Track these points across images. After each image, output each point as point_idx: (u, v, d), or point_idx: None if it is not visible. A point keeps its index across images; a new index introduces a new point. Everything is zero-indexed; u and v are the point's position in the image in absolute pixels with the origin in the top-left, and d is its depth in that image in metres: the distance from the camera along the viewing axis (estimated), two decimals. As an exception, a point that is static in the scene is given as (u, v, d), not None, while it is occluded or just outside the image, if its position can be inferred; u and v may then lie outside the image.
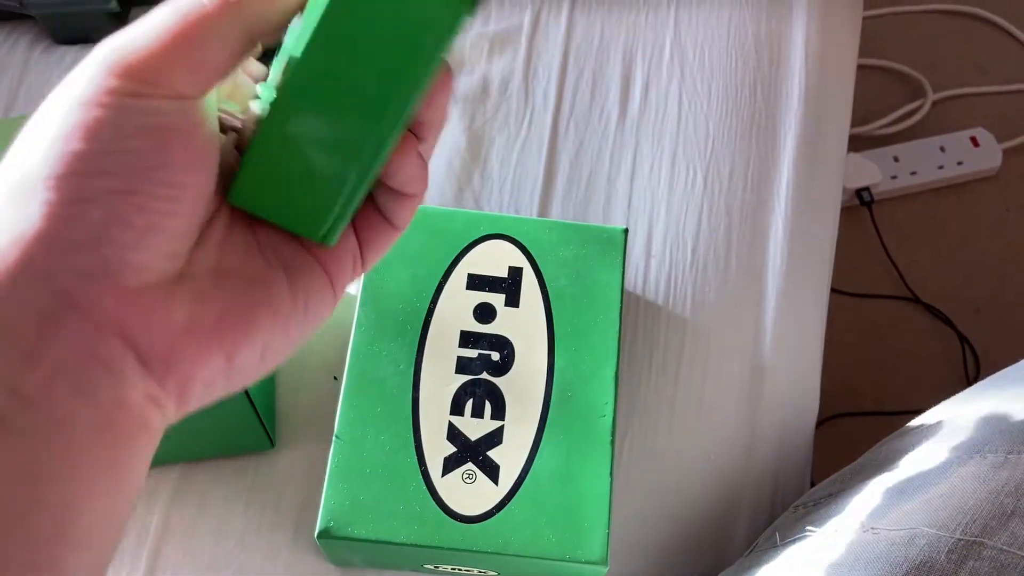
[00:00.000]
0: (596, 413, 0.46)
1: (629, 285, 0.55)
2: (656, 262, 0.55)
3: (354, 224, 0.30)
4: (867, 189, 1.18)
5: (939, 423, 0.46)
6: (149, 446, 0.25)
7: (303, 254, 0.29)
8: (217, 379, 0.26)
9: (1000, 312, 1.16)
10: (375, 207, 0.30)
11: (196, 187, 0.25)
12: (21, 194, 0.23)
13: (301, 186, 0.27)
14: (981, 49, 1.33)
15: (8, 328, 0.23)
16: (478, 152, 0.57)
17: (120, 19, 0.64)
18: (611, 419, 0.46)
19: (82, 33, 0.64)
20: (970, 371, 1.13)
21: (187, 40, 0.25)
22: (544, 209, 0.56)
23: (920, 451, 0.44)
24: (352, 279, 0.30)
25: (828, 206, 0.58)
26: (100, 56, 0.24)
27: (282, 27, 0.27)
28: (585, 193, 0.57)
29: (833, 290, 1.14)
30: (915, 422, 0.49)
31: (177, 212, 0.25)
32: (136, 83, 0.24)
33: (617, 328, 0.47)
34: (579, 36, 0.61)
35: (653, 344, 0.53)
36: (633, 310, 0.54)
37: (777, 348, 0.54)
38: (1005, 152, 1.22)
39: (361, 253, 0.30)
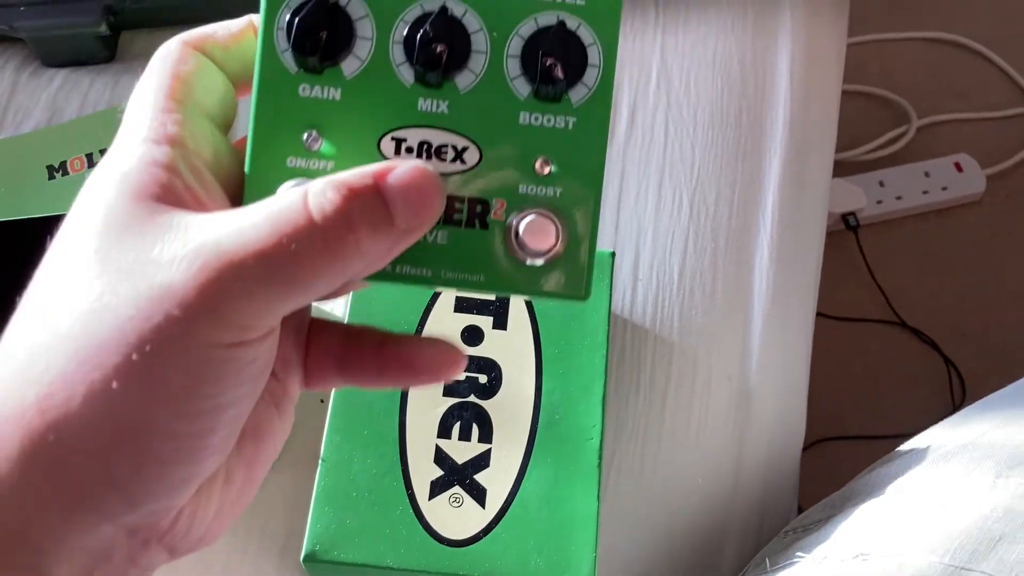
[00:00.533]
0: (583, 436, 0.46)
1: (616, 308, 0.55)
2: (643, 286, 0.55)
3: (307, 359, 0.29)
4: (853, 214, 1.19)
5: (927, 448, 0.46)
6: None
7: (279, 382, 0.28)
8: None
9: (985, 336, 1.17)
10: (342, 360, 0.28)
11: (243, 410, 0.24)
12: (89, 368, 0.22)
13: None
14: (964, 76, 1.34)
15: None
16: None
17: (110, 43, 0.64)
18: (598, 442, 0.46)
19: (71, 56, 0.64)
20: (956, 395, 1.13)
21: (292, 284, 0.23)
22: (532, 233, 0.57)
23: (908, 477, 0.44)
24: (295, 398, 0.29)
25: (813, 231, 0.58)
26: (198, 264, 0.22)
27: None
28: (573, 217, 0.57)
29: (819, 314, 1.15)
30: (904, 447, 0.49)
31: (230, 432, 0.24)
32: (233, 329, 0.22)
33: (604, 351, 0.47)
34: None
35: (640, 367, 0.53)
36: (620, 333, 0.54)
37: (763, 372, 0.54)
38: (988, 178, 1.23)
39: (308, 384, 0.29)
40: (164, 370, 0.22)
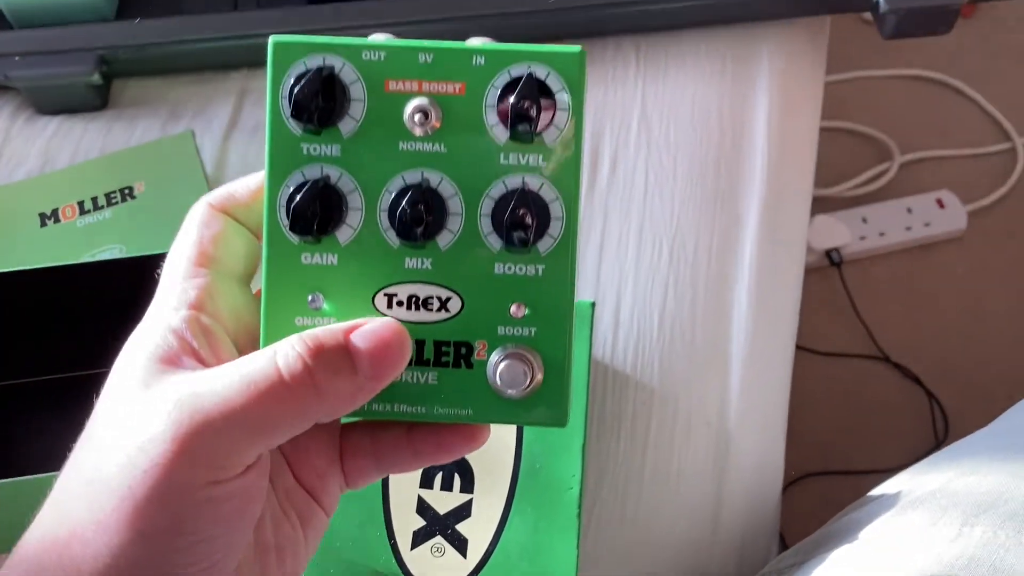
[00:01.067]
0: (564, 486, 0.47)
1: (598, 355, 0.56)
2: (624, 332, 0.56)
3: (343, 460, 0.32)
4: (836, 250, 1.21)
5: (897, 494, 0.47)
6: None
7: (308, 499, 0.32)
8: None
9: (968, 371, 1.18)
10: (376, 457, 0.32)
11: (245, 536, 0.28)
12: (100, 510, 0.26)
13: None
14: (945, 114, 1.37)
15: None
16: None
17: (103, 91, 0.65)
18: (578, 492, 0.47)
19: (65, 104, 0.65)
20: (939, 430, 1.14)
21: (266, 424, 0.27)
22: (515, 280, 0.58)
23: (877, 524, 0.45)
24: (338, 500, 0.33)
25: (791, 277, 0.60)
26: (176, 416, 0.26)
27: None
28: (555, 265, 0.58)
29: (804, 349, 1.16)
30: (875, 491, 0.50)
31: (228, 563, 0.27)
32: (208, 469, 0.26)
33: (585, 401, 0.48)
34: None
35: (621, 414, 0.54)
36: (602, 379, 0.55)
37: (742, 417, 0.55)
38: (970, 214, 1.25)
39: (349, 485, 0.33)
40: (150, 511, 0.25)
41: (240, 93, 0.65)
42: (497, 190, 0.31)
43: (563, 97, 0.31)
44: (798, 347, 1.15)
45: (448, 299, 0.31)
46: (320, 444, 0.31)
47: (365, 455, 0.32)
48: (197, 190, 0.59)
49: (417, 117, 0.30)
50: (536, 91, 0.30)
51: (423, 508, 0.45)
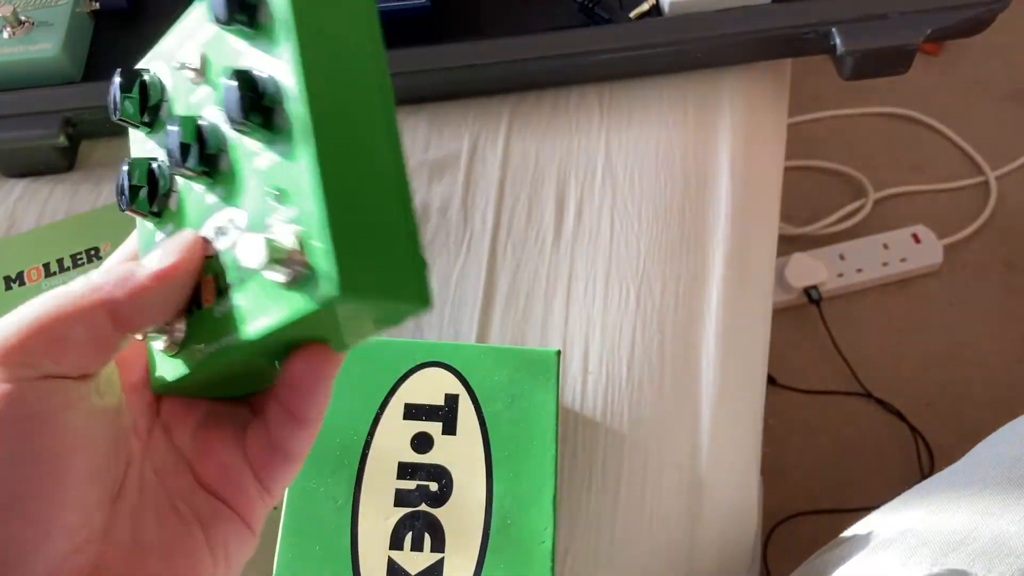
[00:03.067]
0: (536, 540, 0.46)
1: (567, 402, 0.56)
2: (593, 379, 0.56)
3: (248, 459, 0.30)
4: (815, 287, 1.21)
5: (869, 534, 0.47)
6: None
7: (213, 502, 0.30)
8: None
9: (950, 405, 1.18)
10: (269, 439, 0.30)
11: (86, 464, 0.26)
12: None
13: None
14: (917, 150, 1.38)
15: None
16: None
17: (69, 153, 0.65)
18: (550, 545, 0.46)
19: (30, 167, 0.65)
20: (924, 464, 1.14)
21: (52, 326, 0.26)
22: (484, 331, 0.58)
23: (850, 565, 0.45)
24: (265, 511, 0.31)
25: (758, 319, 0.60)
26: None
27: (152, 324, 0.30)
28: (523, 314, 0.58)
29: (786, 387, 1.16)
30: (847, 532, 0.50)
31: (58, 496, 0.25)
32: (5, 368, 0.25)
33: (553, 452, 0.48)
34: (515, 161, 0.63)
35: (592, 461, 0.54)
36: (572, 427, 0.55)
37: (714, 461, 0.55)
38: (946, 248, 1.26)
39: (263, 485, 0.30)
40: None
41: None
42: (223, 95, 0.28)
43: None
44: (781, 386, 1.16)
45: (236, 216, 0.29)
46: (222, 441, 0.31)
47: (261, 443, 0.30)
48: (163, 249, 0.59)
49: (190, 79, 0.31)
50: None
51: (394, 570, 0.45)
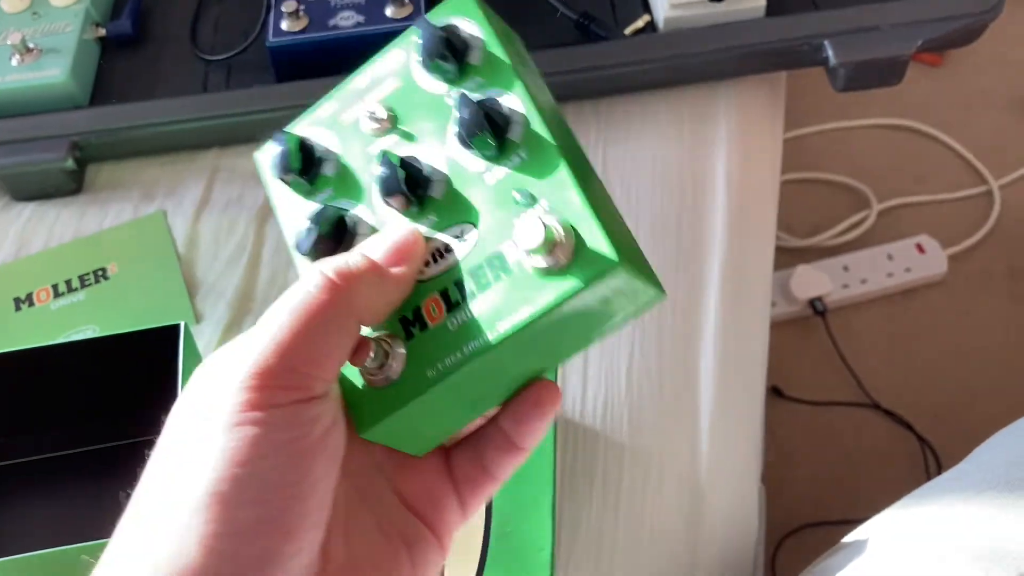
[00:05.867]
0: (535, 547, 0.47)
1: (568, 411, 0.56)
2: (592, 390, 0.57)
3: (453, 479, 0.32)
4: (820, 299, 1.21)
5: (865, 541, 0.47)
6: None
7: (415, 522, 0.31)
8: None
9: (957, 415, 1.18)
10: (481, 463, 0.32)
11: (329, 482, 0.27)
12: (176, 523, 0.25)
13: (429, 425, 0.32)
14: (920, 160, 1.39)
15: None
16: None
17: (77, 176, 0.67)
18: (550, 553, 0.47)
19: (39, 190, 0.67)
20: (932, 474, 1.14)
21: (309, 334, 0.27)
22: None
23: (850, 569, 0.45)
24: (458, 529, 0.33)
25: (756, 329, 0.60)
26: (232, 371, 0.26)
27: (386, 315, 0.31)
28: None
29: (793, 399, 1.16)
30: (848, 538, 0.50)
31: (311, 513, 0.26)
32: (271, 392, 0.26)
33: (552, 460, 0.49)
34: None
35: (592, 471, 0.54)
36: (572, 437, 0.55)
37: (714, 470, 0.55)
38: (950, 258, 1.26)
39: (463, 504, 0.32)
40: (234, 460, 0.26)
41: (211, 171, 0.66)
42: (456, 119, 0.33)
43: (466, 23, 0.34)
44: (788, 398, 1.16)
45: (464, 232, 0.32)
46: (427, 464, 0.32)
47: (470, 465, 0.32)
48: (168, 268, 0.60)
49: (370, 125, 0.34)
50: (443, 38, 0.33)
51: (392, 576, 0.45)
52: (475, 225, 0.32)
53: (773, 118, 0.70)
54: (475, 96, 0.33)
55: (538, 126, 0.32)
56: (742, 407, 0.57)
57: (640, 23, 0.67)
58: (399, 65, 0.35)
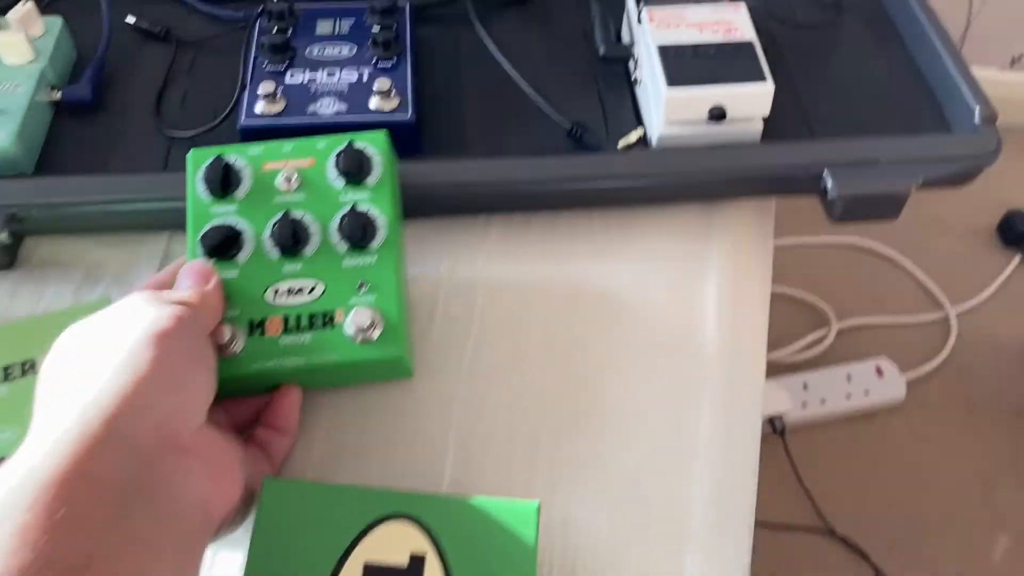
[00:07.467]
0: None
1: (546, 551, 0.51)
2: (575, 526, 0.52)
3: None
4: (779, 417, 1.19)
5: None
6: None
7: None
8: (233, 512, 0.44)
9: (913, 545, 1.15)
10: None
11: (211, 378, 0.45)
12: (132, 353, 0.40)
13: None
14: (878, 281, 1.39)
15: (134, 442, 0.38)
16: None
17: (11, 250, 0.61)
18: None
19: (-31, 264, 0.60)
20: (888, 609, 1.10)
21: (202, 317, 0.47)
22: (458, 476, 0.53)
23: None
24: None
25: (747, 457, 0.56)
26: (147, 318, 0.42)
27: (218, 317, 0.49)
28: (503, 457, 0.54)
29: (749, 523, 1.12)
30: None
31: (203, 395, 0.43)
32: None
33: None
34: (496, 287, 0.60)
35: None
36: (555, 565, 0.50)
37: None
38: (909, 383, 1.25)
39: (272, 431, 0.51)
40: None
41: (163, 257, 0.61)
42: (340, 214, 0.51)
43: (375, 155, 0.53)
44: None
45: (315, 287, 0.49)
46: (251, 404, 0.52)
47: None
48: (107, 364, 0.54)
49: (283, 182, 0.52)
50: (357, 156, 0.52)
51: None
52: (325, 286, 0.49)
53: (764, 240, 0.67)
54: (362, 208, 0.51)
55: (392, 243, 0.51)
56: (732, 532, 0.53)
57: (633, 137, 0.64)
58: (322, 152, 0.53)
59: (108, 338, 0.41)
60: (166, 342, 0.40)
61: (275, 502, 0.44)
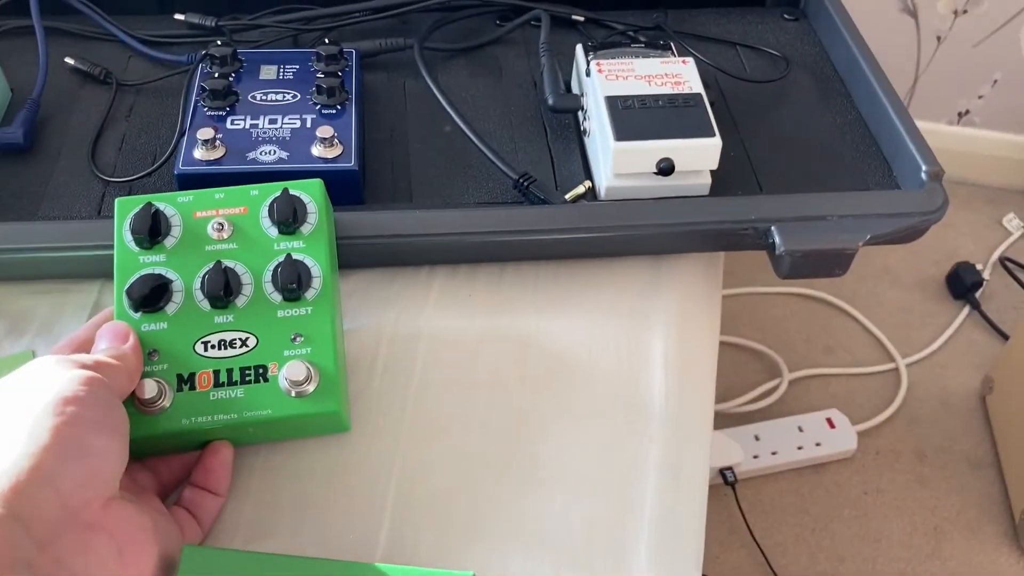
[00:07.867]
0: None
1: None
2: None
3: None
4: (730, 469, 1.18)
5: None
6: None
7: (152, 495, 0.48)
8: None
9: (865, 601, 1.14)
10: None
11: (121, 449, 0.41)
12: (37, 421, 0.38)
13: None
14: (829, 331, 1.39)
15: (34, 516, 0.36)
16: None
17: (-68, 298, 0.58)
18: None
19: None
20: (840, 667, 1.09)
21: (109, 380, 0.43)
22: (393, 541, 0.51)
23: None
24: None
25: (694, 511, 0.55)
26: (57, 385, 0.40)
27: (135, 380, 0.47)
28: (439, 521, 0.52)
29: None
30: None
31: (112, 464, 0.40)
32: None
33: None
34: (440, 339, 0.58)
35: None
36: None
37: None
38: (860, 434, 1.25)
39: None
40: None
41: (93, 308, 0.58)
42: (274, 263, 0.50)
43: (310, 203, 0.52)
44: None
45: (247, 339, 0.48)
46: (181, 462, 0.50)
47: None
48: (27, 419, 0.51)
49: (214, 230, 0.50)
50: (291, 204, 0.51)
51: None
52: (258, 339, 0.48)
53: (712, 294, 0.66)
54: (296, 256, 0.50)
55: (327, 294, 0.49)
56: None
57: (581, 189, 0.63)
58: (255, 200, 0.51)
59: (13, 405, 0.39)
60: (72, 408, 0.39)
61: (195, 573, 0.41)
